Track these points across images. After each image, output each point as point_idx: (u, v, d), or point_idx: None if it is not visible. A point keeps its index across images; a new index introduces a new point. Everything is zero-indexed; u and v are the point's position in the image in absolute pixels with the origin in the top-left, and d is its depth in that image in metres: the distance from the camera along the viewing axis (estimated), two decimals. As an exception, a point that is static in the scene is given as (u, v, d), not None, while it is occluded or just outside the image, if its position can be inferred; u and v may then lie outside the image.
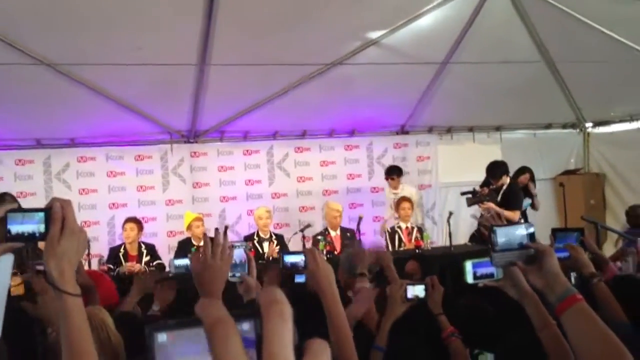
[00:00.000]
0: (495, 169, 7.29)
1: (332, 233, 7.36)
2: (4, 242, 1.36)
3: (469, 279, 2.02)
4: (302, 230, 7.28)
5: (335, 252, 7.07)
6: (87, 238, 1.39)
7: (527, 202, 7.75)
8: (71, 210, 1.32)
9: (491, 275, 2.01)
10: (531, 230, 1.73)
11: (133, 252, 6.69)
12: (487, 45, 6.97)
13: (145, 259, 6.70)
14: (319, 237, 7.20)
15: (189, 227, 7.00)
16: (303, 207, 8.52)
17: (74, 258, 1.31)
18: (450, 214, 7.37)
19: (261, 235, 7.19)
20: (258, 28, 5.99)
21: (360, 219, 7.20)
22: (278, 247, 7.07)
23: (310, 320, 2.06)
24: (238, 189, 8.25)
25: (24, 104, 6.56)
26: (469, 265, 2.02)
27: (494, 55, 7.07)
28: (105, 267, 6.35)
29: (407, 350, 2.54)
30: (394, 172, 8.04)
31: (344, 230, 7.44)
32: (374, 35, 6.57)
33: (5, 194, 5.39)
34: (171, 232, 7.85)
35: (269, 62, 6.41)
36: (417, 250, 7.03)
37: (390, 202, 8.16)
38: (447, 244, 7.35)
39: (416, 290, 2.84)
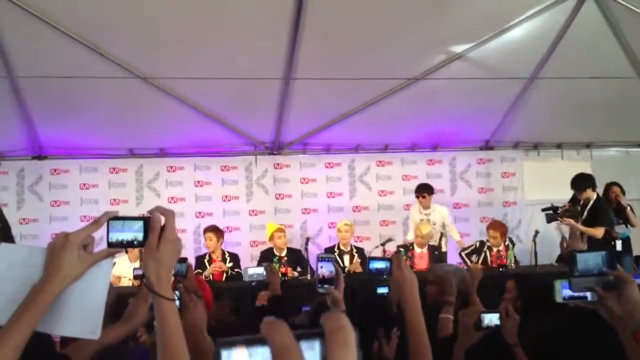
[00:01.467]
0: (580, 181, 7.01)
1: (418, 250, 7.21)
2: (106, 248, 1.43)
3: (558, 299, 1.97)
4: (383, 244, 7.23)
5: (414, 269, 6.95)
6: (181, 246, 1.47)
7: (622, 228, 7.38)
8: (172, 220, 1.39)
9: (584, 297, 1.96)
10: (610, 256, 1.71)
11: (217, 258, 6.89)
12: (577, 59, 6.73)
13: (228, 265, 6.89)
14: (402, 249, 7.10)
15: (271, 238, 7.11)
16: (384, 221, 8.49)
17: (171, 264, 1.39)
18: (537, 232, 7.14)
19: (342, 248, 7.20)
20: (342, 43, 6.06)
21: (441, 235, 7.11)
22: (359, 260, 7.05)
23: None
24: (319, 201, 8.33)
25: (118, 115, 6.94)
26: (558, 285, 1.97)
27: (585, 71, 6.81)
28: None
29: None
30: (425, 190, 7.69)
31: (432, 249, 7.26)
32: (460, 48, 6.50)
33: None
34: (254, 242, 8.00)
35: (353, 77, 6.46)
36: (500, 269, 6.85)
37: (416, 223, 7.61)
38: (532, 263, 7.12)
39: (492, 319, 2.77)
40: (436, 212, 7.70)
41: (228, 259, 6.94)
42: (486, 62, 6.69)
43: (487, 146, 8.76)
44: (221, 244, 6.98)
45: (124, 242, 1.41)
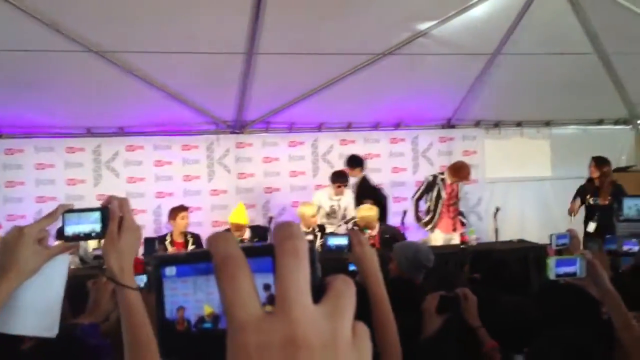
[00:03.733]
0: (352, 161, 7.49)
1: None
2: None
3: (551, 276, 1.98)
4: (346, 222, 7.24)
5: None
6: (141, 234, 1.42)
7: None
8: (129, 208, 1.36)
9: (573, 274, 1.97)
10: None
11: (179, 240, 6.71)
12: (539, 36, 6.83)
13: (190, 247, 6.70)
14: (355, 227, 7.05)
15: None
16: (348, 200, 8.47)
17: (133, 254, 1.36)
18: (497, 209, 7.23)
19: (304, 229, 7.12)
20: (306, 17, 6.00)
21: (405, 213, 7.12)
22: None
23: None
24: (282, 180, 8.25)
25: (74, 92, 6.70)
26: (552, 262, 1.98)
27: (546, 47, 6.92)
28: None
29: None
30: (345, 180, 7.41)
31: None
32: (424, 26, 6.50)
33: None
34: (216, 221, 7.89)
35: (316, 52, 6.40)
36: (461, 246, 6.92)
37: (326, 209, 7.46)
38: (494, 239, 7.21)
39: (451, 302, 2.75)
40: (346, 197, 7.53)
41: (190, 240, 6.77)
42: (449, 40, 6.72)
43: (449, 124, 8.82)
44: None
45: (82, 234, 1.38)
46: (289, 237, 0.53)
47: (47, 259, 1.31)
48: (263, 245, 0.61)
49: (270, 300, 0.57)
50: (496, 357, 2.59)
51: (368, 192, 7.42)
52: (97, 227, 1.35)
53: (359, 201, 7.20)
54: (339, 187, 7.39)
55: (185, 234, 6.76)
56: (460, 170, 7.35)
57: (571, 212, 7.12)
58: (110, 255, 1.32)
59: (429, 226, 7.43)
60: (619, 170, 8.98)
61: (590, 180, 7.16)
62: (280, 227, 0.54)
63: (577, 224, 6.74)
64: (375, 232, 6.76)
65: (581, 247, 3.06)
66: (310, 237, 6.97)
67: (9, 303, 1.27)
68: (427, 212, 7.48)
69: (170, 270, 0.66)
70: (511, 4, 6.42)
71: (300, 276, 0.51)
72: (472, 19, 6.46)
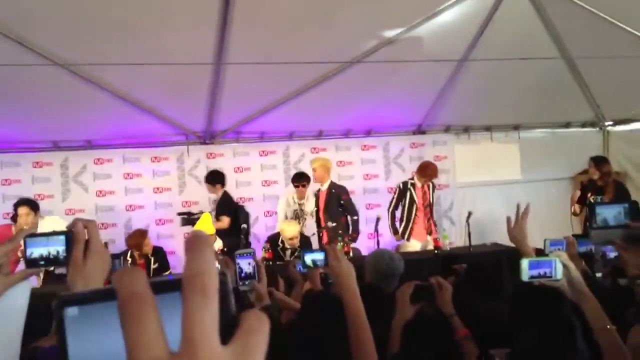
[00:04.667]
0: (213, 177, 7.40)
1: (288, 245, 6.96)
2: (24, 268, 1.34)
3: (524, 278, 1.98)
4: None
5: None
6: (110, 258, 1.36)
7: None
8: (96, 230, 1.30)
9: (548, 276, 1.97)
10: (632, 208, 1.69)
11: (140, 261, 6.40)
12: (506, 42, 6.89)
13: (153, 266, 6.44)
14: (339, 234, 7.07)
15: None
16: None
17: (100, 279, 1.29)
18: (470, 214, 7.28)
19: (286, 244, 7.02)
20: (274, 27, 5.96)
21: (378, 219, 7.11)
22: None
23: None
24: (255, 189, 8.22)
25: (40, 106, 6.56)
26: (525, 264, 1.97)
27: (512, 52, 6.99)
28: None
29: (419, 354, 2.44)
30: (305, 179, 7.43)
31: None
32: (392, 33, 6.51)
33: None
34: (188, 234, 7.78)
35: (285, 61, 6.37)
36: (435, 252, 6.95)
37: (288, 213, 7.54)
38: (467, 244, 7.25)
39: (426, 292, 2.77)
40: (310, 202, 7.57)
41: (152, 259, 6.46)
42: (417, 47, 6.74)
43: (420, 130, 8.87)
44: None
45: (45, 260, 1.30)
46: (198, 272, 0.49)
47: (7, 287, 1.25)
48: (173, 279, 0.56)
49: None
50: (468, 345, 2.60)
51: (229, 208, 7.33)
52: (62, 250, 1.30)
53: (217, 217, 7.19)
54: (299, 187, 7.40)
55: (146, 256, 6.48)
56: (426, 169, 7.48)
57: (573, 204, 7.14)
58: (76, 282, 1.25)
59: (406, 236, 7.48)
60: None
61: (591, 180, 7.20)
62: (191, 262, 0.50)
63: (551, 229, 6.77)
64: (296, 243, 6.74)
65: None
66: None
67: None
68: (401, 220, 7.52)
69: (73, 311, 0.58)
70: (478, 10, 6.47)
71: (207, 315, 0.48)
72: (440, 26, 6.49)
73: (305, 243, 6.85)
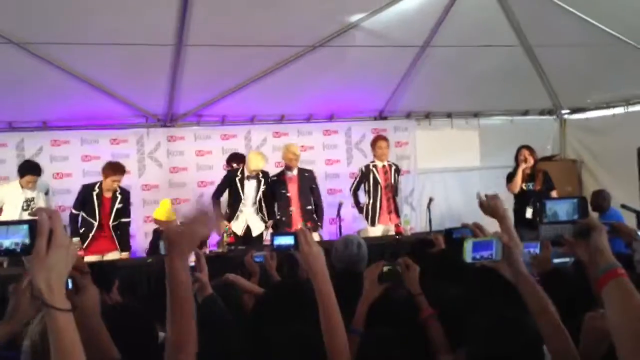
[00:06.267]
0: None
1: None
2: None
3: (468, 259, 1.99)
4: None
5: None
6: (75, 250, 1.34)
7: None
8: (59, 221, 1.27)
9: (490, 257, 2.00)
10: (582, 203, 1.74)
11: (107, 195, 6.57)
12: (467, 29, 6.96)
13: (118, 206, 6.61)
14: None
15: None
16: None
17: (63, 272, 1.27)
18: (431, 200, 7.34)
19: (246, 173, 7.06)
20: (236, 9, 5.91)
21: (340, 205, 7.12)
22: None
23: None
24: (216, 173, 8.12)
25: (-6, 86, 6.40)
26: (468, 245, 1.99)
27: (473, 39, 7.07)
28: None
29: (384, 333, 2.48)
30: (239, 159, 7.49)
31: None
32: (355, 17, 6.52)
33: None
34: (148, 217, 7.72)
35: (247, 44, 6.33)
36: (397, 237, 6.98)
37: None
38: (427, 229, 7.32)
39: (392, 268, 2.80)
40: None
41: (119, 197, 6.62)
42: (380, 32, 6.77)
43: (381, 116, 8.92)
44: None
45: (7, 250, 1.27)
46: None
47: None
48: None
49: None
50: (433, 323, 2.64)
51: None
52: (25, 241, 1.26)
53: None
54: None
55: (114, 191, 6.61)
56: (374, 143, 7.57)
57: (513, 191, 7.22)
58: (38, 274, 1.23)
59: (371, 219, 7.48)
60: (545, 159, 9.29)
61: (516, 168, 7.26)
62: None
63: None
64: None
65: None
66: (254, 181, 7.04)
67: None
68: (367, 203, 7.51)
69: None
70: (439, -3, 6.51)
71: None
72: (402, 11, 6.51)
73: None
